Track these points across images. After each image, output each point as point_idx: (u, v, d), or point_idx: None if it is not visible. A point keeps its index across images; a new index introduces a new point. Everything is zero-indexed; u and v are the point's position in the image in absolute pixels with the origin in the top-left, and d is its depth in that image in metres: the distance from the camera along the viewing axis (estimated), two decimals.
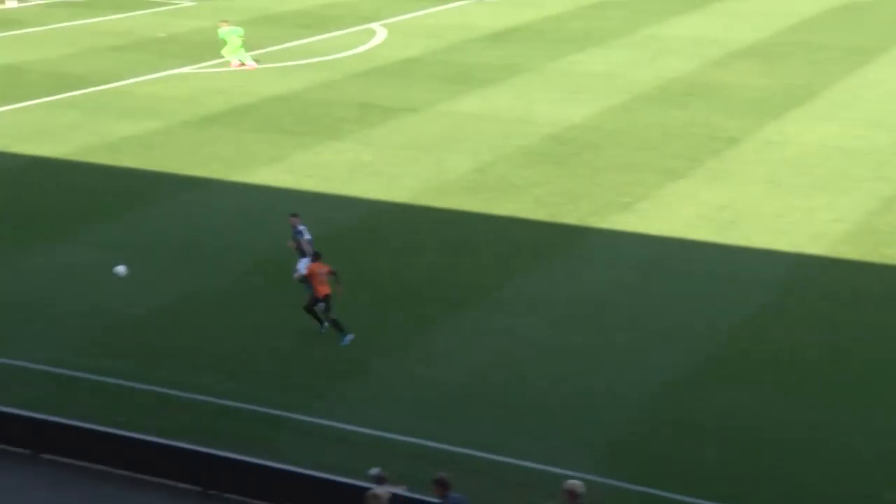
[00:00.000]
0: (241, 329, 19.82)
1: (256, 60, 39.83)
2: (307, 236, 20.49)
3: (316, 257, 19.33)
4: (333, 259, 22.54)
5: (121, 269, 19.53)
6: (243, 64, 39.45)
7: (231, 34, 39.46)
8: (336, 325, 19.03)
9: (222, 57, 39.61)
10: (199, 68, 39.76)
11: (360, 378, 18.24)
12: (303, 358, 18.84)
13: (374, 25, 48.20)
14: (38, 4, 51.62)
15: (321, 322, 19.27)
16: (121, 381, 17.72)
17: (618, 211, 25.55)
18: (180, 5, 52.59)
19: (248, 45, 40.07)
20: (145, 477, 15.42)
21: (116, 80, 37.33)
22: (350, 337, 19.08)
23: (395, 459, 15.73)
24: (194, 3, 53.17)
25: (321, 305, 18.95)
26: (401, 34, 46.53)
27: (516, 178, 27.94)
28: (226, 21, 40.77)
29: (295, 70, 39.67)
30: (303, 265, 19.76)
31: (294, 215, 21.07)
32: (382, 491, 13.13)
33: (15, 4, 50.92)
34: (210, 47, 42.93)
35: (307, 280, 19.22)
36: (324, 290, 18.88)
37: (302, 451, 15.88)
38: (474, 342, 19.52)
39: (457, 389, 17.94)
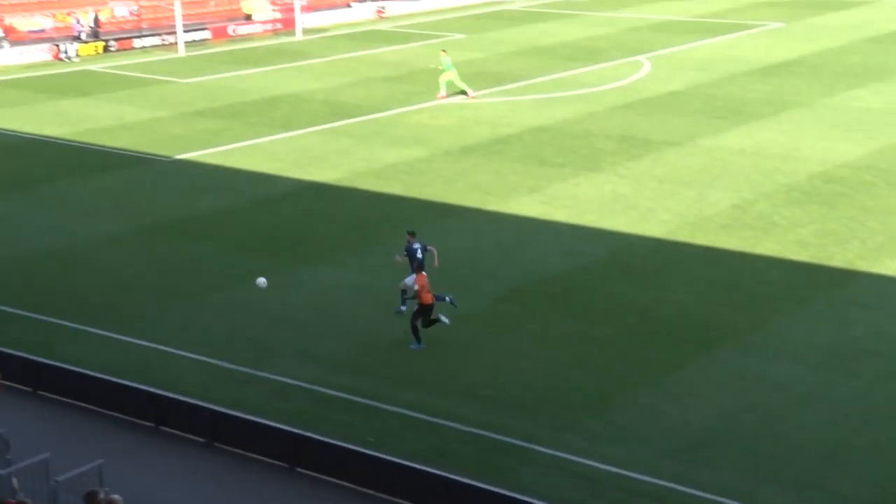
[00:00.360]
0: (489, 356, 19.91)
1: (505, 93, 40.24)
2: (420, 255, 21.09)
3: (420, 269, 20.28)
4: (581, 292, 22.40)
5: (262, 281, 20.33)
6: (446, 96, 39.87)
7: (446, 65, 40.00)
8: (417, 330, 19.80)
9: (458, 89, 39.97)
10: (465, 99, 40.59)
11: (604, 413, 17.89)
12: (548, 388, 18.70)
13: (640, 58, 47.72)
14: (322, 37, 54.39)
15: (418, 339, 19.94)
16: (371, 402, 18.17)
17: (891, 255, 23.95)
18: (451, 37, 54.03)
19: (513, 76, 40.56)
20: (388, 497, 15.68)
21: (388, 109, 38.71)
22: (419, 346, 19.82)
23: (634, 499, 15.29)
24: (464, 36, 54.50)
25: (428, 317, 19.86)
26: (666, 67, 45.82)
27: (778, 216, 26.76)
28: (444, 51, 41.28)
29: (559, 101, 39.81)
30: (410, 280, 20.26)
31: (411, 234, 21.63)
32: None
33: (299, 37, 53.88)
34: (477, 78, 43.83)
35: (417, 294, 19.85)
36: (428, 298, 19.83)
37: (542, 484, 15.71)
38: (725, 384, 18.75)
39: (704, 432, 17.27)
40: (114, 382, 18.10)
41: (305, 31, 54.99)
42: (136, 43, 50.45)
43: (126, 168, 31.61)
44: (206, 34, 52.89)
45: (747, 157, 32.13)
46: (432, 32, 55.58)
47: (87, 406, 18.06)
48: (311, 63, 47.61)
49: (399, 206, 28.28)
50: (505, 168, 31.48)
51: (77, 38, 47.57)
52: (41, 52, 47.65)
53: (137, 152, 33.03)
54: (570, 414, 17.85)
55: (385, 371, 19.37)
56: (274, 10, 56.22)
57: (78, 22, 47.89)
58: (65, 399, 18.28)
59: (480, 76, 44.50)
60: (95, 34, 48.25)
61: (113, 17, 51.69)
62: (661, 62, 46.76)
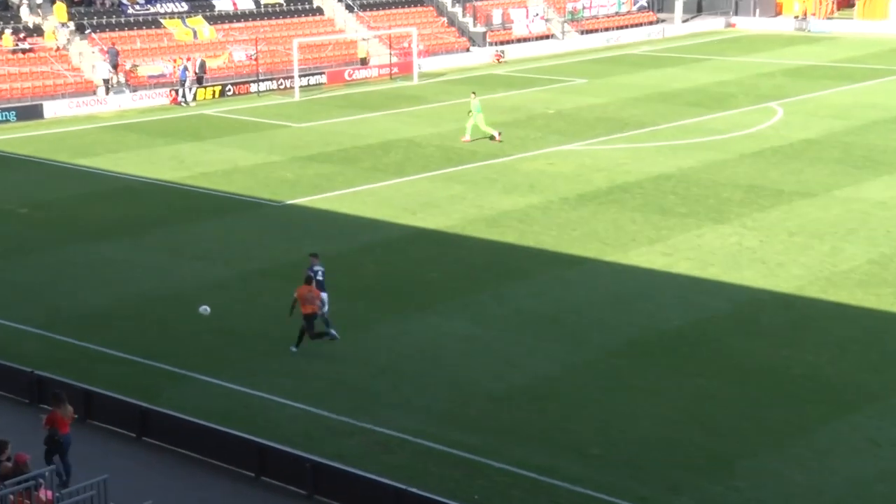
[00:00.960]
0: (601, 411, 19.65)
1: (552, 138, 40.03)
2: (320, 277, 22.88)
3: (308, 281, 22.20)
4: (702, 347, 22.01)
5: (205, 308, 22.51)
6: (469, 140, 40.28)
7: (475, 108, 40.30)
8: (301, 337, 21.94)
9: (486, 134, 40.31)
10: (584, 145, 40.56)
11: (724, 477, 17.43)
12: (663, 448, 18.33)
13: (772, 104, 47.04)
14: (439, 81, 55.07)
15: (299, 340, 22.02)
16: (476, 457, 18.07)
17: None
18: (572, 83, 54.12)
19: (635, 123, 40.33)
20: None
21: (503, 155, 38.88)
22: (295, 349, 21.95)
23: None
24: (585, 81, 54.53)
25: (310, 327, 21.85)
26: (800, 113, 45.04)
27: None
28: (474, 94, 41.66)
29: (683, 149, 39.45)
30: (324, 296, 22.48)
31: (314, 255, 23.53)
32: None
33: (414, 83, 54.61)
34: (598, 124, 43.78)
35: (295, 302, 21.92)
36: (308, 309, 21.77)
37: None
38: (858, 450, 18.10)
39: (833, 501, 16.66)
40: (216, 430, 18.41)
41: (422, 76, 55.78)
42: (253, 87, 51.88)
43: (237, 212, 32.39)
44: (322, 78, 54.12)
45: (888, 209, 31.25)
46: (551, 77, 55.77)
47: (190, 453, 18.38)
48: (426, 108, 48.23)
49: (512, 254, 28.28)
50: (624, 217, 31.23)
51: (182, 84, 49.14)
52: (160, 97, 49.38)
53: (249, 196, 33.83)
54: (686, 476, 17.45)
55: (491, 424, 19.28)
56: (391, 55, 57.21)
57: (185, 70, 49.49)
58: (167, 445, 18.66)
59: (601, 122, 44.42)
60: (200, 80, 49.72)
61: (231, 61, 53.31)
62: (794, 109, 45.98)
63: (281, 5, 58.85)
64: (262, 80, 52.22)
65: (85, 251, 28.70)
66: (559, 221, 30.93)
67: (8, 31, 48.66)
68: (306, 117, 45.99)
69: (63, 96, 47.49)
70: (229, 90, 51.21)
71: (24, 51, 48.63)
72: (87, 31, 50.95)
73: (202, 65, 50.10)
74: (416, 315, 24.32)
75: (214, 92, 50.66)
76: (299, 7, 59.59)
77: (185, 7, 55.45)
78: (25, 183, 35.86)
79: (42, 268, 27.52)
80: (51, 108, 46.40)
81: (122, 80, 49.82)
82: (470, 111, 40.87)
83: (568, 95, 50.52)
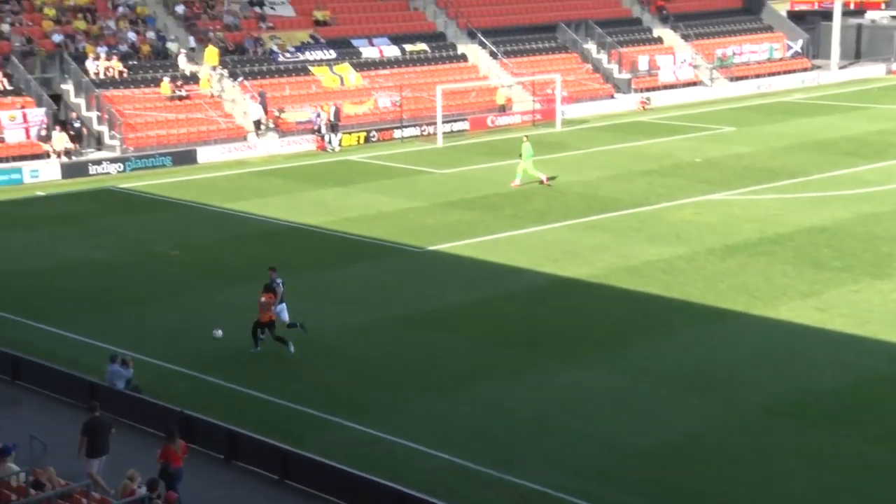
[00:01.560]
0: (753, 474, 19.16)
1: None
2: (282, 289, 25.59)
3: (268, 288, 25.13)
4: (861, 409, 21.33)
5: (218, 333, 24.57)
6: (518, 184, 40.86)
7: (526, 151, 40.88)
8: (279, 339, 24.85)
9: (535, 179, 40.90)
10: (733, 195, 39.92)
11: None
12: None
13: None
14: (582, 128, 55.06)
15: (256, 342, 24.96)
16: None
17: None
18: (719, 130, 53.42)
19: (787, 173, 39.51)
20: None
21: (648, 204, 38.56)
22: (257, 349, 24.84)
23: None
24: (733, 129, 53.76)
25: (265, 330, 24.91)
26: None
27: None
28: (526, 138, 42.08)
29: (838, 200, 38.48)
30: (282, 309, 25.45)
31: (272, 269, 26.15)
32: None
33: (558, 129, 54.72)
34: (746, 174, 43.07)
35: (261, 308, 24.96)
36: (266, 317, 24.79)
37: None
38: None
39: None
40: (357, 475, 18.60)
41: (565, 122, 55.85)
42: (397, 133, 52.78)
43: (379, 257, 32.88)
44: (464, 125, 54.71)
45: None
46: (699, 125, 55.17)
47: (332, 498, 18.60)
48: (569, 155, 48.23)
49: (656, 306, 27.94)
50: (774, 270, 30.56)
51: (316, 132, 50.22)
52: (307, 143, 50.65)
53: (391, 242, 34.32)
54: None
55: (636, 481, 19.00)
56: (534, 101, 57.48)
57: (318, 116, 50.56)
58: (310, 489, 18.93)
59: (750, 171, 43.68)
60: (333, 127, 50.58)
61: (375, 107, 54.38)
62: None
63: (426, 52, 59.83)
64: (406, 127, 53.08)
65: (232, 293, 29.51)
66: (706, 273, 30.46)
67: (166, 79, 50.70)
68: (448, 163, 46.51)
69: (215, 142, 49.15)
70: (373, 136, 52.21)
71: (180, 98, 50.59)
72: (240, 79, 52.70)
73: (337, 112, 51.15)
74: (559, 366, 24.20)
75: (359, 138, 51.71)
76: (444, 54, 60.49)
77: (332, 55, 56.88)
78: (178, 226, 37.14)
79: (191, 309, 28.39)
80: (204, 154, 48.06)
81: (272, 124, 51.28)
82: (521, 155, 41.25)
83: (716, 144, 49.86)
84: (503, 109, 57.04)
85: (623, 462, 19.74)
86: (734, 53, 68.16)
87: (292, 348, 24.73)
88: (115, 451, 18.72)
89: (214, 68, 52.75)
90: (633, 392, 22.70)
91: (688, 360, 24.46)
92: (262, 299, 25.08)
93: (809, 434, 20.61)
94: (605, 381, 23.38)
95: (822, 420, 21.22)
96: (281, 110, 51.79)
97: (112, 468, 18.36)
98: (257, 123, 50.53)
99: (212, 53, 52.84)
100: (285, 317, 25.52)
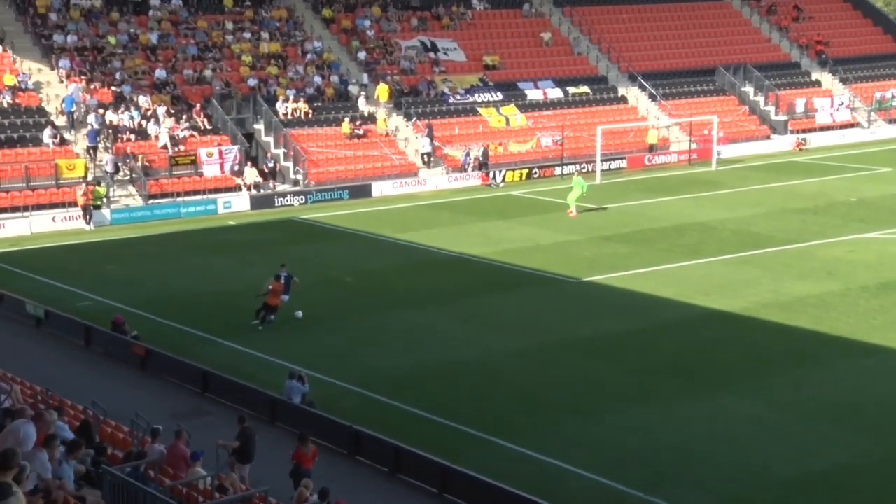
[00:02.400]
0: None
1: None
2: (290, 281, 29.87)
3: (277, 279, 29.15)
4: None
5: (299, 314, 28.93)
6: (574, 213, 41.87)
7: (577, 184, 42.16)
8: (260, 316, 28.85)
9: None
10: (888, 234, 38.33)
11: None
12: None
13: None
14: (737, 168, 53.85)
15: (262, 320, 28.73)
16: None
17: None
18: (876, 171, 51.42)
19: (890, 216, 37.74)
20: None
21: (800, 241, 37.40)
22: (257, 324, 28.59)
23: None
24: (890, 169, 51.66)
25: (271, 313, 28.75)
26: None
27: None
28: (578, 171, 42.84)
29: None
30: (285, 299, 29.38)
31: (283, 265, 30.37)
32: None
33: (713, 168, 53.64)
34: None
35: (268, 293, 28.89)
36: (274, 301, 28.65)
37: None
38: None
39: None
40: (510, 492, 18.56)
41: (720, 162, 54.74)
42: (557, 170, 52.73)
43: (537, 287, 32.84)
44: (622, 163, 54.24)
45: None
46: (854, 165, 53.26)
47: None
48: (723, 193, 47.22)
49: (807, 339, 27.03)
50: None
51: (462, 169, 50.52)
52: (472, 178, 51.13)
53: (548, 272, 34.25)
54: None
55: None
56: (691, 142, 56.56)
57: (467, 155, 50.84)
58: (466, 503, 18.99)
59: None
60: (482, 165, 50.80)
61: (538, 145, 54.50)
62: None
63: (588, 94, 59.65)
64: (566, 164, 52.97)
65: (399, 317, 29.94)
66: (858, 309, 29.31)
67: (346, 119, 52.08)
68: (606, 199, 46.16)
69: (389, 177, 50.11)
70: (535, 173, 52.30)
71: (358, 136, 51.85)
72: (413, 119, 53.66)
73: (485, 152, 51.27)
74: (708, 395, 23.66)
75: (521, 174, 51.89)
76: (605, 96, 60.20)
77: (499, 96, 57.30)
78: (352, 254, 37.96)
79: (361, 331, 28.93)
80: (378, 188, 49.06)
81: (441, 162, 52.01)
82: (573, 186, 42.32)
83: (871, 184, 48.01)
84: (652, 149, 56.15)
85: (768, 490, 19.14)
86: (893, 96, 65.58)
87: (272, 318, 28.78)
88: (287, 461, 19.16)
89: (387, 105, 53.84)
90: (780, 422, 21.99)
91: (838, 393, 23.57)
92: (270, 287, 28.96)
93: None
94: (753, 410, 22.73)
95: None
96: (446, 153, 52.41)
97: (289, 474, 18.83)
98: (426, 156, 51.34)
99: (383, 90, 54.07)
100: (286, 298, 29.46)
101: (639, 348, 26.86)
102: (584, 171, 51.38)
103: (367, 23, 58.71)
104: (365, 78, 55.47)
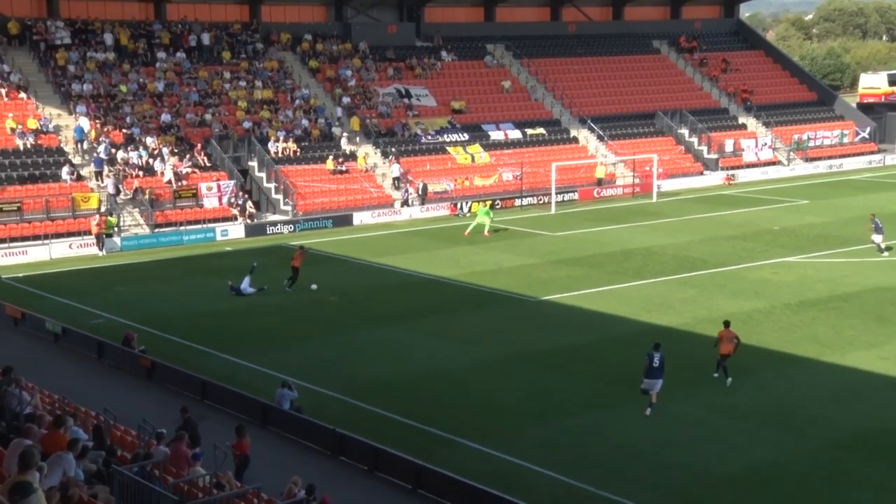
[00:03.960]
0: (814, 499, 18.29)
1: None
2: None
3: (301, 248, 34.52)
4: None
5: (314, 286, 33.22)
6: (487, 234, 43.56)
7: (482, 213, 44.41)
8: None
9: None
10: (807, 257, 38.66)
11: None
12: None
13: None
14: (676, 200, 54.16)
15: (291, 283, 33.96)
16: None
17: None
18: (795, 203, 51.92)
19: (856, 240, 38.06)
20: None
21: (730, 265, 37.62)
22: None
23: None
24: (808, 202, 52.18)
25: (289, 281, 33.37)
26: None
27: None
28: (487, 203, 45.06)
29: None
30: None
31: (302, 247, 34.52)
32: None
33: (654, 200, 53.95)
34: (819, 240, 41.70)
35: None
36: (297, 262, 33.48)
37: None
38: None
39: None
40: (478, 488, 18.43)
41: (660, 195, 55.07)
42: (517, 202, 52.85)
43: (500, 305, 32.79)
44: (574, 195, 54.47)
45: None
46: (777, 198, 53.75)
47: None
48: (663, 222, 47.47)
49: (738, 351, 27.04)
50: (843, 323, 29.39)
51: (405, 204, 50.12)
52: (442, 209, 51.10)
53: (510, 292, 34.22)
54: None
55: (718, 502, 18.32)
56: (634, 177, 56.92)
57: (406, 192, 50.20)
58: (438, 498, 18.83)
59: (823, 238, 42.27)
60: (423, 201, 50.36)
61: (500, 180, 54.63)
62: None
63: (543, 135, 59.94)
64: (525, 196, 53.09)
65: (378, 332, 29.78)
66: (781, 325, 29.47)
67: (331, 157, 51.97)
68: (560, 227, 46.28)
69: (368, 208, 50.00)
70: (498, 204, 52.36)
71: (341, 172, 51.73)
72: (390, 157, 53.65)
73: (424, 187, 50.95)
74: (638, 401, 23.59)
75: (486, 204, 51.87)
76: (558, 137, 60.50)
77: (466, 137, 57.44)
78: (336, 276, 37.77)
79: (344, 345, 28.74)
80: (358, 217, 48.94)
81: (413, 192, 51.93)
82: (476, 214, 44.65)
83: (792, 214, 48.45)
84: (601, 183, 56.29)
85: (706, 485, 19.11)
86: (809, 138, 66.38)
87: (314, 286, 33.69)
88: (277, 461, 18.95)
89: (357, 133, 53.75)
90: (715, 425, 22.01)
91: (766, 398, 23.64)
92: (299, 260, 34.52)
93: (878, 467, 19.62)
94: (692, 414, 22.73)
95: (887, 455, 20.16)
96: (425, 186, 52.35)
97: (279, 473, 18.61)
98: (396, 181, 51.34)
99: (355, 122, 54.19)
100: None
101: (591, 359, 26.84)
102: (496, 205, 51.65)
103: (349, 73, 58.78)
104: (347, 121, 55.42)
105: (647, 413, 22.29)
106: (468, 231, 44.40)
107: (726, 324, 25.05)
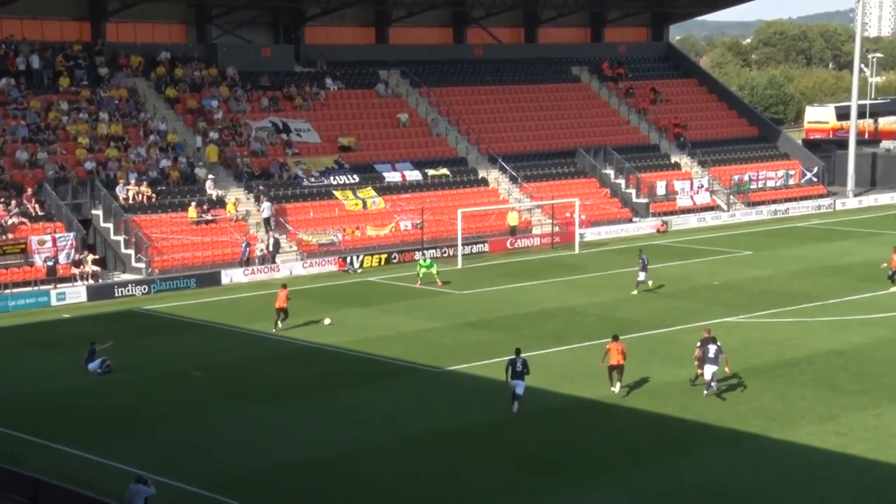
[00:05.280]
0: None
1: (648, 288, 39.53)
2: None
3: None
4: None
5: (327, 321, 36.22)
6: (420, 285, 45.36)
7: (421, 265, 46.33)
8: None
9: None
10: (750, 317, 39.86)
11: None
12: None
13: None
14: (601, 251, 55.31)
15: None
16: None
17: None
18: (737, 254, 53.59)
19: (804, 296, 39.43)
20: None
21: (664, 326, 38.52)
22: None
23: None
24: (750, 253, 53.91)
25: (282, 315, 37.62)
26: None
27: None
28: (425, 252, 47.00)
29: (856, 324, 38.39)
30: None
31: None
32: None
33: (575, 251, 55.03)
34: (763, 296, 43.06)
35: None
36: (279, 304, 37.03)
37: None
38: None
39: None
40: None
41: (583, 245, 56.19)
42: (417, 255, 52.97)
43: (398, 377, 32.82)
44: (484, 246, 55.15)
45: None
46: (716, 248, 55.40)
47: None
48: (587, 277, 48.40)
49: (674, 427, 27.70)
50: (792, 393, 30.34)
51: (247, 262, 49.53)
52: (329, 264, 51.09)
53: (410, 362, 34.30)
54: None
55: None
56: (554, 225, 57.96)
57: (247, 245, 49.55)
58: None
59: (767, 294, 43.68)
60: (273, 258, 49.72)
61: (397, 229, 54.97)
62: None
63: (447, 176, 60.65)
64: (427, 248, 53.50)
65: (252, 413, 29.44)
66: (724, 396, 30.21)
67: (193, 204, 51.52)
68: (468, 284, 46.73)
69: (239, 264, 49.60)
70: (395, 258, 52.65)
71: (206, 221, 51.31)
72: (260, 196, 53.43)
73: (276, 243, 50.74)
74: (577, 489, 23.92)
75: (381, 259, 52.14)
76: (464, 178, 61.30)
77: (356, 179, 57.74)
78: (200, 346, 37.27)
79: (209, 429, 28.31)
80: (227, 275, 48.51)
81: (295, 246, 51.82)
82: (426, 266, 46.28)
83: (733, 267, 49.98)
84: (514, 232, 57.15)
85: None
86: (750, 179, 68.78)
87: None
88: None
89: (214, 164, 53.68)
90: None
91: (707, 482, 24.14)
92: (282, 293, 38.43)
93: None
94: (623, 502, 23.04)
95: None
96: (301, 238, 52.30)
97: None
98: (267, 221, 51.45)
99: (212, 151, 54.21)
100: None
101: (504, 440, 27.02)
102: (393, 259, 52.44)
103: (215, 103, 58.59)
104: (213, 165, 55.13)
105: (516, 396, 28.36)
106: (418, 282, 46.33)
107: (615, 337, 30.48)
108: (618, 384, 30.26)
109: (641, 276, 44.02)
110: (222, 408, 29.97)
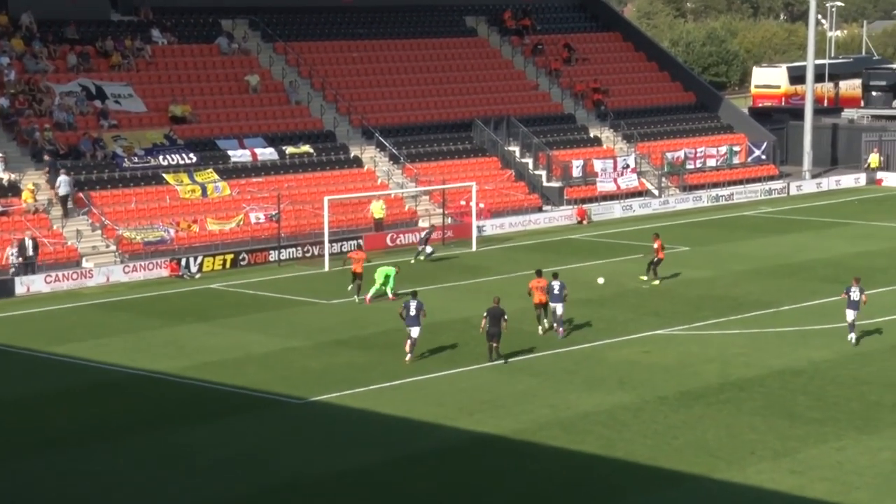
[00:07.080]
0: None
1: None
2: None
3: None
4: None
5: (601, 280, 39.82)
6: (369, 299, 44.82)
7: (381, 274, 44.69)
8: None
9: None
10: (689, 329, 40.52)
11: None
12: None
13: None
14: (502, 248, 55.72)
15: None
16: None
17: None
18: (673, 250, 54.38)
19: (753, 303, 40.17)
20: None
21: (583, 342, 38.94)
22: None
23: None
24: (687, 249, 54.80)
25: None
26: None
27: None
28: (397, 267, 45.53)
29: (815, 336, 39.42)
30: None
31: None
32: None
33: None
34: (704, 303, 43.79)
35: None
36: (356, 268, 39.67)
37: None
38: None
39: None
40: None
41: (482, 241, 56.61)
42: (272, 255, 52.80)
43: (250, 412, 32.55)
44: (359, 243, 55.05)
45: None
46: (645, 243, 55.94)
47: None
48: (487, 280, 48.74)
49: (595, 469, 28.01)
50: (740, 423, 30.91)
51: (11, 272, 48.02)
52: (158, 268, 50.39)
53: (264, 392, 34.06)
54: None
55: None
56: (445, 216, 58.04)
57: (16, 249, 47.89)
58: None
59: (709, 300, 44.46)
60: (28, 267, 48.02)
61: (246, 223, 54.50)
62: None
63: (310, 155, 60.40)
64: (285, 247, 53.16)
65: (55, 463, 28.88)
66: (656, 427, 30.67)
67: None
68: (337, 292, 46.55)
69: (39, 269, 48.56)
70: (243, 259, 52.24)
71: None
72: (75, 189, 52.42)
73: (36, 246, 48.50)
74: None
75: (225, 261, 51.66)
76: (333, 158, 61.13)
77: (193, 159, 57.09)
78: None
79: (9, 480, 27.66)
80: (24, 283, 47.48)
81: (113, 246, 51.03)
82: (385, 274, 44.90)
83: (667, 267, 50.63)
84: (380, 227, 56.85)
85: None
86: (687, 157, 69.98)
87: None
88: None
89: (22, 158, 52.65)
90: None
91: None
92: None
93: None
94: None
95: None
96: (122, 235, 51.57)
97: None
98: (64, 200, 51.11)
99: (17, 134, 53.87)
100: None
101: (387, 488, 26.97)
102: (242, 260, 51.84)
103: (5, 60, 57.29)
104: (3, 134, 53.97)
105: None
106: (369, 296, 44.84)
107: (538, 272, 35.11)
108: (545, 322, 36.60)
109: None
110: (17, 457, 29.32)
